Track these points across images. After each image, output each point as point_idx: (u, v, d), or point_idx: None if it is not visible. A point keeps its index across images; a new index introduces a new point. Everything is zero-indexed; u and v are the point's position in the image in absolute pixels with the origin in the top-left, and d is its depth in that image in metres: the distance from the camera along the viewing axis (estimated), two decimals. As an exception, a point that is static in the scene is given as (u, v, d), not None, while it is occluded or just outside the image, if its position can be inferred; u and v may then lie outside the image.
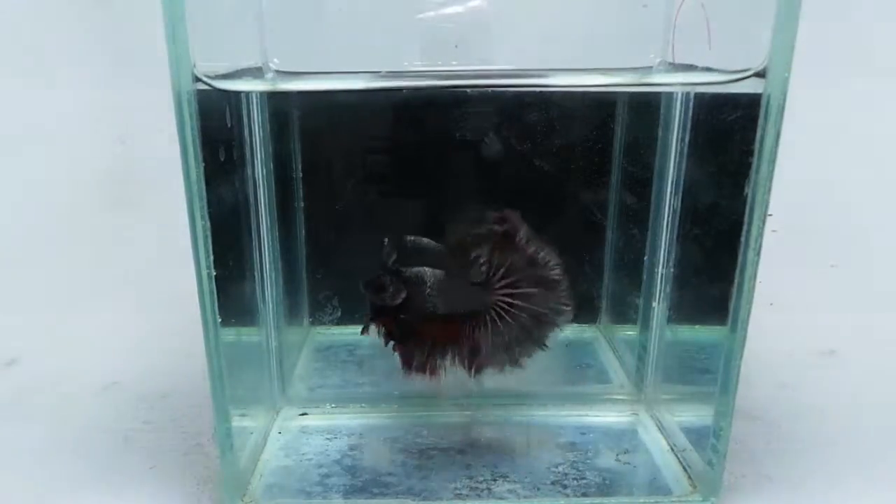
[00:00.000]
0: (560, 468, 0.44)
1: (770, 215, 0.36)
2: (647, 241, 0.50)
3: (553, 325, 0.43)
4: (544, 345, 0.43)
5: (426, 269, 0.42)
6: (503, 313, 0.42)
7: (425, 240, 0.42)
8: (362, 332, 0.43)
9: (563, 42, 0.44)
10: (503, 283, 0.42)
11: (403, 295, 0.41)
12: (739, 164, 0.36)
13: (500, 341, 0.42)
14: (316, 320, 0.59)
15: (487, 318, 0.42)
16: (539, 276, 0.42)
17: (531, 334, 0.43)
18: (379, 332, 0.43)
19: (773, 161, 0.35)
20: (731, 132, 0.39)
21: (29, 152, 0.80)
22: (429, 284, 0.41)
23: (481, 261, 0.41)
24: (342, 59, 0.42)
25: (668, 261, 0.48)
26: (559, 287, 0.42)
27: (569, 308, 0.42)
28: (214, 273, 0.36)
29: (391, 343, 0.43)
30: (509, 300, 0.42)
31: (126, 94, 0.78)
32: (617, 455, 0.45)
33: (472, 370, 0.42)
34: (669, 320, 0.49)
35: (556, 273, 0.42)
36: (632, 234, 0.52)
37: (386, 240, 0.42)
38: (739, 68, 0.35)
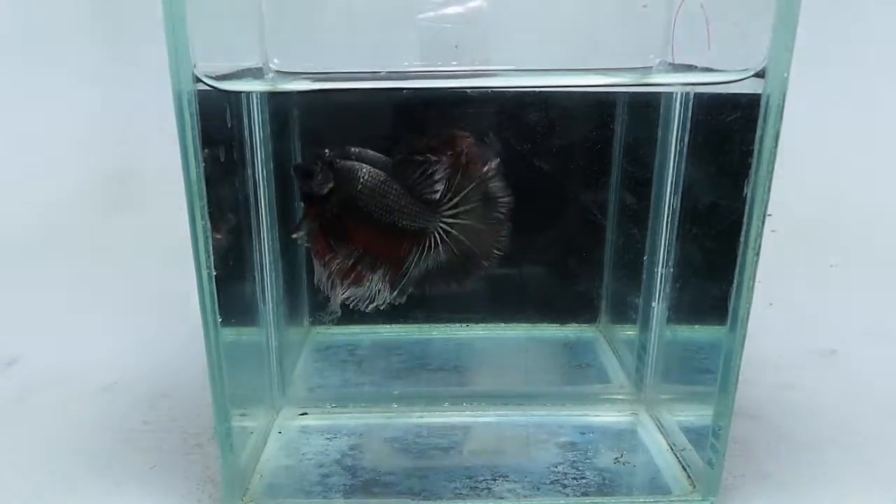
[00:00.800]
0: (560, 468, 0.44)
1: (770, 215, 0.36)
2: (647, 241, 0.50)
3: (482, 267, 0.42)
4: (467, 282, 0.42)
5: (364, 165, 0.40)
6: (442, 239, 0.40)
7: (371, 152, 0.41)
8: (292, 232, 0.41)
9: (563, 42, 0.44)
10: (453, 209, 0.40)
11: (331, 184, 0.39)
12: (739, 164, 0.36)
13: (429, 267, 0.41)
14: (316, 320, 0.59)
15: (426, 240, 0.40)
16: (489, 213, 0.41)
17: (460, 269, 0.41)
18: (307, 231, 0.41)
19: (772, 161, 0.35)
20: (730, 132, 0.39)
21: (30, 152, 0.80)
22: (361, 181, 0.39)
23: (437, 177, 0.40)
24: (342, 59, 0.42)
25: (667, 261, 0.48)
26: (502, 228, 0.41)
27: (501, 253, 0.41)
28: (214, 273, 0.37)
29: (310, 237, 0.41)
30: (451, 228, 0.40)
31: (126, 95, 0.78)
32: (616, 455, 0.45)
33: (395, 290, 0.41)
34: (669, 320, 0.49)
35: (503, 212, 0.41)
36: (632, 234, 0.52)
37: (327, 150, 0.41)
38: (739, 68, 0.35)
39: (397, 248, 0.41)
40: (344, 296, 0.42)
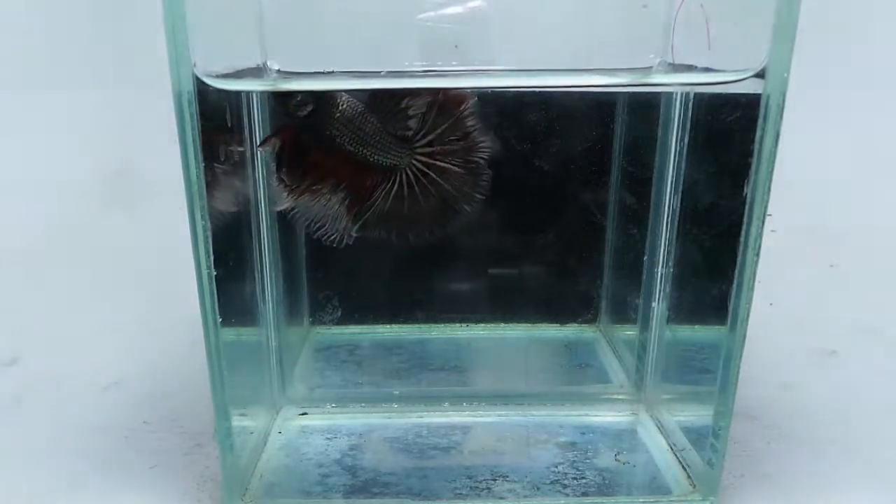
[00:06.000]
0: (560, 468, 0.44)
1: (770, 215, 0.36)
2: (647, 241, 0.50)
3: (456, 211, 0.41)
4: (437, 230, 0.41)
5: (344, 93, 0.40)
6: (417, 180, 0.40)
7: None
8: (261, 146, 0.41)
9: (563, 42, 0.44)
10: (428, 148, 0.40)
11: (310, 107, 0.39)
12: (739, 164, 0.36)
13: (400, 205, 0.40)
14: (316, 320, 0.59)
15: (396, 176, 0.40)
16: (465, 156, 0.40)
17: (438, 213, 0.41)
18: (274, 147, 0.40)
19: (772, 161, 0.35)
20: (730, 132, 0.39)
21: (29, 152, 0.80)
22: (340, 108, 0.39)
23: (411, 112, 0.39)
24: (342, 59, 0.42)
25: (667, 261, 0.48)
26: (480, 174, 0.41)
27: (481, 198, 0.41)
28: (214, 273, 0.37)
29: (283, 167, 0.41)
30: (425, 167, 0.40)
31: (126, 94, 0.78)
32: (616, 455, 0.45)
33: (352, 220, 0.41)
34: (669, 320, 0.49)
35: (481, 157, 0.41)
36: (632, 234, 0.52)
37: None
38: (739, 68, 0.35)
39: (364, 180, 0.40)
40: (290, 204, 0.41)
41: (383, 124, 0.40)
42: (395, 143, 0.40)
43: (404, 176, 0.40)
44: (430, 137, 0.40)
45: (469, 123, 0.41)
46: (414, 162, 0.40)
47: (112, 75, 0.78)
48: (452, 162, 0.41)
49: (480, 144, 0.41)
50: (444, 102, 0.40)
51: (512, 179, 0.55)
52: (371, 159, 0.40)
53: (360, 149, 0.40)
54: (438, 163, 0.40)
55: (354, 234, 0.42)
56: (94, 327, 0.66)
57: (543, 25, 0.44)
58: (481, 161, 0.41)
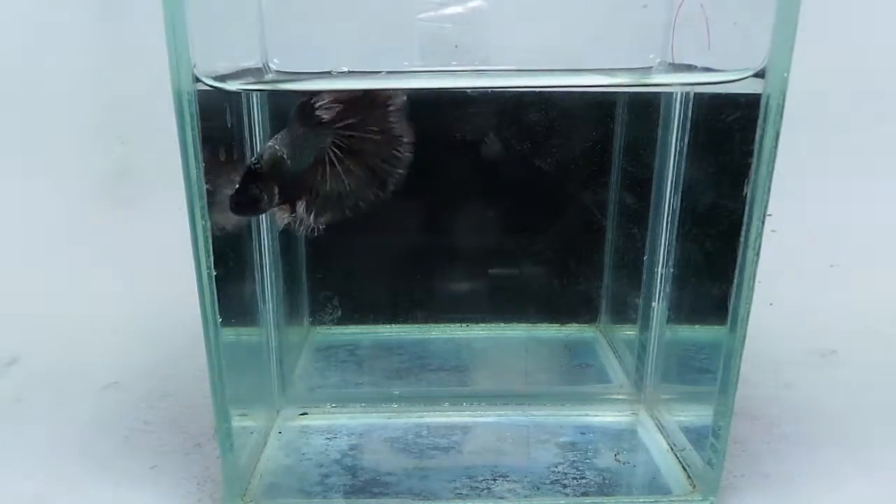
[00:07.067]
0: (560, 468, 0.44)
1: (770, 215, 0.36)
2: (647, 241, 0.50)
3: (377, 187, 0.43)
4: (362, 202, 0.43)
5: (273, 145, 0.41)
6: (336, 157, 0.42)
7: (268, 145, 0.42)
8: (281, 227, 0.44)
9: (563, 42, 0.44)
10: (347, 132, 0.42)
11: (277, 192, 0.41)
12: (739, 164, 0.36)
13: (332, 184, 0.42)
14: (316, 320, 0.59)
15: (325, 157, 0.42)
16: (388, 148, 0.43)
17: (356, 193, 0.43)
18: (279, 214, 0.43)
19: (772, 161, 0.35)
20: (730, 132, 0.39)
21: (29, 152, 0.80)
22: (286, 156, 0.41)
23: (316, 105, 0.41)
24: (342, 59, 0.42)
25: (667, 261, 0.48)
26: (399, 163, 0.43)
27: (393, 189, 0.43)
28: (214, 273, 0.37)
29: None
30: (346, 142, 0.42)
31: (126, 94, 0.78)
32: (616, 455, 0.45)
33: (311, 215, 0.43)
34: (669, 320, 0.49)
35: (403, 151, 0.43)
36: (632, 234, 0.52)
37: (252, 162, 0.42)
38: (739, 68, 0.35)
39: (306, 177, 0.42)
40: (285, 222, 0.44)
41: (307, 129, 0.42)
42: (317, 130, 0.42)
43: (328, 155, 0.42)
44: (350, 122, 0.42)
45: (391, 119, 0.42)
46: (336, 141, 0.42)
47: (112, 75, 0.78)
48: (369, 148, 0.43)
49: (399, 138, 0.43)
50: (372, 98, 0.42)
51: (512, 179, 0.55)
52: (308, 156, 0.42)
53: (298, 157, 0.42)
54: (354, 146, 0.42)
55: (322, 221, 0.43)
56: (94, 327, 0.66)
57: (543, 25, 0.44)
58: (398, 153, 0.43)
